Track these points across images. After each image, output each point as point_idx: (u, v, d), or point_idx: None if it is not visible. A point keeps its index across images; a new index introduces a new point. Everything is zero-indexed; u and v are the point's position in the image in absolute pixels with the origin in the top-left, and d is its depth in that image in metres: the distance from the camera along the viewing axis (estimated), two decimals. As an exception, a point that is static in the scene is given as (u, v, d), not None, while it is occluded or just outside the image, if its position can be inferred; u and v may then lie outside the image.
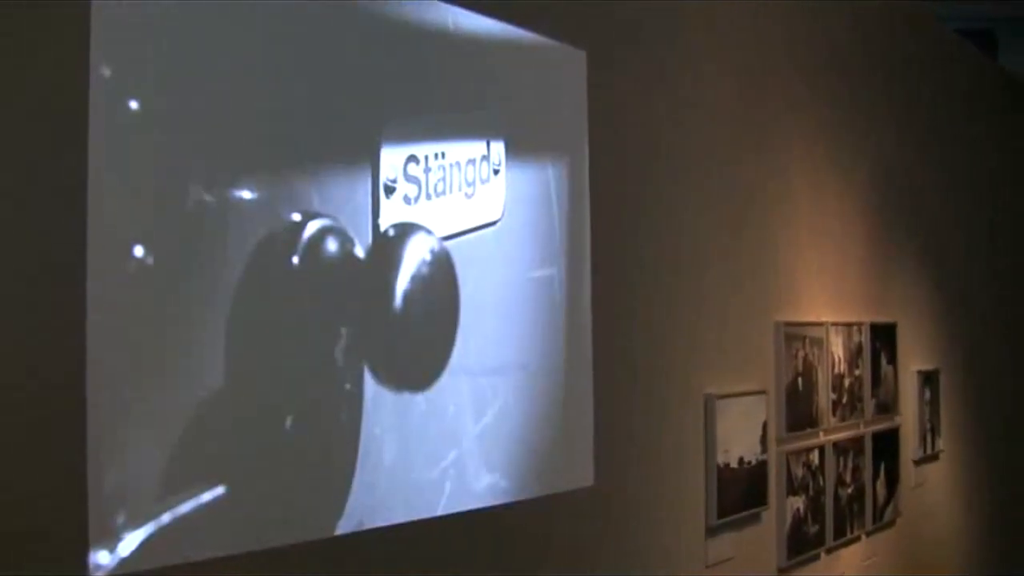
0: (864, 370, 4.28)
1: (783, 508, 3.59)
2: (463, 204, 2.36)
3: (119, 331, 1.69)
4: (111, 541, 1.66)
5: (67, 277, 1.64)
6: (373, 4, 2.16)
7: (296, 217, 1.99)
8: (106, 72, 1.68)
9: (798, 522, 3.68)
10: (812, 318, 3.89)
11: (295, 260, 1.99)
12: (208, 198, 1.85)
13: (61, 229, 1.64)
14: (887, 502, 4.45)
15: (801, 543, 3.70)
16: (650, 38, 3.06)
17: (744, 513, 3.35)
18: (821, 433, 3.91)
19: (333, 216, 2.06)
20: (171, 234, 1.78)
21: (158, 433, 1.75)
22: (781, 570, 3.60)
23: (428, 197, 2.27)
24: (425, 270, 2.26)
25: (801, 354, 3.76)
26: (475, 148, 2.40)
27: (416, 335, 2.24)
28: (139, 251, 1.73)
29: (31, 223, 1.61)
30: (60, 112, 1.65)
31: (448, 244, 2.31)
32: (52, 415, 1.61)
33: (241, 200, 1.90)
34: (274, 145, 1.96)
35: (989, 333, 6.02)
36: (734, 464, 3.28)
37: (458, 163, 2.35)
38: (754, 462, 3.39)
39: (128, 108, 1.72)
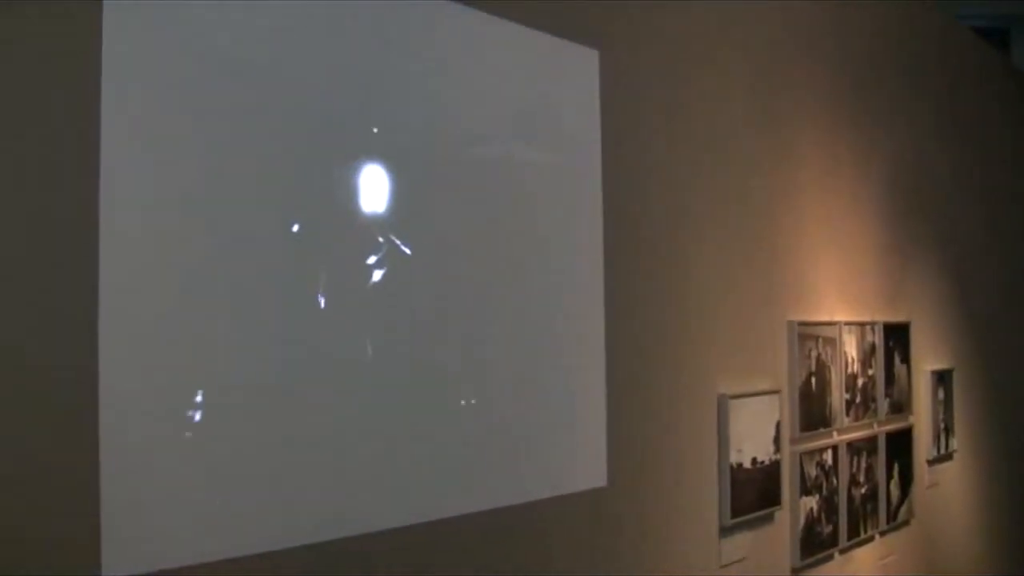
0: (877, 369, 4.26)
1: (797, 508, 3.58)
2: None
3: (131, 341, 1.70)
4: (124, 544, 1.67)
5: (80, 276, 1.64)
6: (383, 4, 2.16)
7: (310, 217, 2.00)
8: (118, 73, 1.69)
9: (812, 522, 3.67)
10: (825, 317, 3.88)
11: (306, 261, 1.99)
12: (223, 197, 1.85)
13: (74, 227, 1.65)
14: (901, 502, 4.44)
15: (815, 543, 3.69)
16: (662, 37, 3.05)
17: (758, 513, 3.34)
18: (834, 433, 3.89)
19: (345, 217, 2.07)
20: (184, 233, 1.79)
21: (170, 436, 1.75)
22: (795, 570, 3.59)
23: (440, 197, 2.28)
24: (438, 271, 2.26)
25: (814, 354, 3.75)
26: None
27: (429, 337, 2.23)
28: (152, 249, 1.74)
29: (44, 222, 1.62)
30: (72, 112, 1.65)
31: (459, 242, 2.32)
32: (64, 419, 1.62)
33: (254, 200, 1.90)
34: (285, 145, 1.97)
35: (1003, 332, 5.99)
36: (747, 464, 3.28)
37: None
38: (767, 462, 3.38)
39: (141, 105, 1.73)
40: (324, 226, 2.02)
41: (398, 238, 2.16)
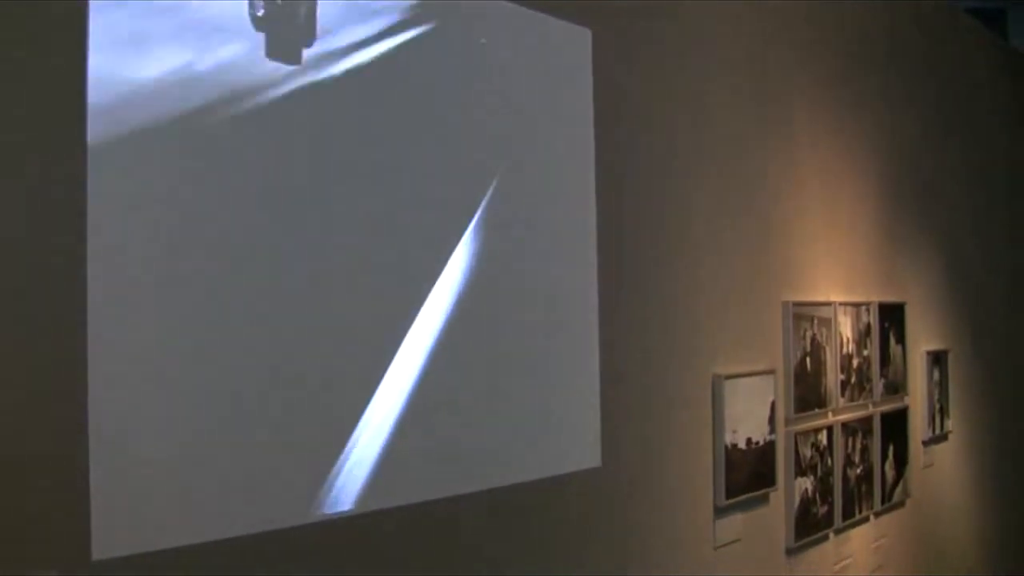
0: (872, 350, 4.25)
1: (791, 489, 3.58)
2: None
3: (119, 328, 1.70)
4: (114, 526, 1.66)
5: (68, 269, 1.65)
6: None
7: (294, 218, 1.98)
8: (102, 75, 1.68)
9: (806, 503, 3.67)
10: (820, 298, 3.87)
11: (290, 259, 1.98)
12: (206, 196, 1.83)
13: (62, 228, 1.65)
14: (896, 483, 4.44)
15: (809, 524, 3.69)
16: (657, 17, 3.03)
17: (752, 494, 3.33)
18: (829, 413, 3.89)
19: (333, 216, 2.05)
20: (171, 229, 1.78)
21: (158, 421, 1.75)
22: (789, 551, 3.59)
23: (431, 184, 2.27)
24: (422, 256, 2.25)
25: (809, 334, 3.74)
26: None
27: (421, 322, 2.22)
28: (138, 244, 1.73)
29: (32, 224, 1.62)
30: (59, 114, 1.65)
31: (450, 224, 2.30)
32: (55, 407, 1.63)
33: (238, 200, 1.89)
34: (274, 140, 1.95)
35: (998, 313, 5.99)
36: (742, 445, 3.27)
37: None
38: (762, 443, 3.38)
39: (127, 110, 1.71)
40: (316, 221, 2.01)
41: (390, 228, 2.15)
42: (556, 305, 2.58)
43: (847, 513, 3.98)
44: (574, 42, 2.67)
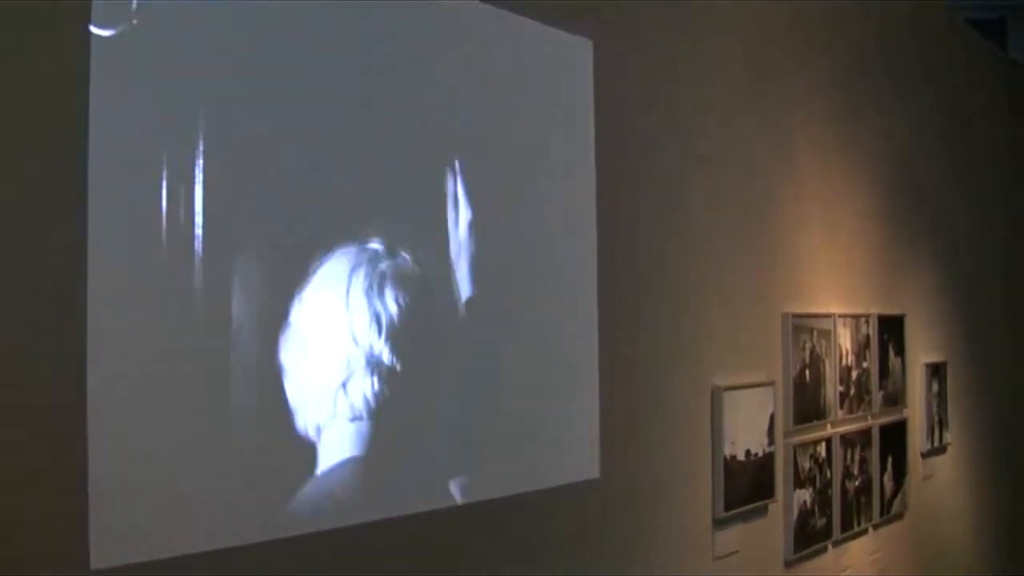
0: (872, 362, 4.25)
1: (790, 501, 3.57)
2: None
3: (117, 339, 1.69)
4: (112, 536, 1.66)
5: (67, 279, 1.65)
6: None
7: (305, 217, 1.98)
8: (106, 70, 1.68)
9: (805, 515, 3.66)
10: (820, 310, 3.87)
11: (302, 261, 1.98)
12: (206, 201, 1.83)
13: (62, 228, 1.65)
14: (894, 495, 4.43)
15: (808, 536, 3.69)
16: (658, 27, 3.03)
17: (751, 506, 3.33)
18: (828, 425, 3.89)
19: (342, 223, 2.05)
20: (169, 235, 1.78)
21: (157, 431, 1.74)
22: (788, 563, 3.59)
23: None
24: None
25: (808, 346, 3.73)
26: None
27: (421, 331, 2.22)
28: (138, 252, 1.73)
29: (32, 224, 1.62)
30: (59, 113, 1.65)
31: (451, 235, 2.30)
32: (54, 417, 1.63)
33: (239, 206, 1.88)
34: (273, 144, 1.95)
35: (997, 325, 5.99)
36: (741, 456, 3.27)
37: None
38: (761, 454, 3.37)
39: (130, 107, 1.71)
40: (318, 228, 2.01)
41: (387, 234, 2.15)
42: (554, 315, 2.57)
43: (846, 525, 3.97)
44: (575, 53, 2.67)
